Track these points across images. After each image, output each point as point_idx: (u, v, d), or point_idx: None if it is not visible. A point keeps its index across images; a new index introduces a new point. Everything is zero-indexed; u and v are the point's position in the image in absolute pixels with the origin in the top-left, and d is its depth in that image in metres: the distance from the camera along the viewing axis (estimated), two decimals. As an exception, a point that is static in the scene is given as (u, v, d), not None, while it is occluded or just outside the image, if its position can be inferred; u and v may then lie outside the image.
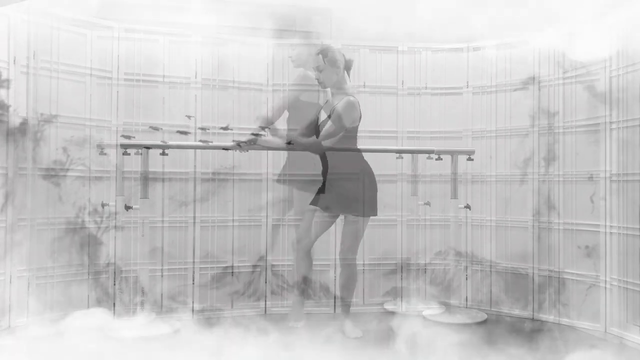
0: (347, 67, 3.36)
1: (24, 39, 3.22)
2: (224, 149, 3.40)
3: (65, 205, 3.36)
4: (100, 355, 2.87)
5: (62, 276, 3.36)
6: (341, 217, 3.37)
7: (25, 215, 3.18)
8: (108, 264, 3.50)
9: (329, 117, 3.27)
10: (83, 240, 3.43)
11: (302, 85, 3.58)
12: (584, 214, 3.41)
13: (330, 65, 3.26)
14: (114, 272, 3.42)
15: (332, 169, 3.31)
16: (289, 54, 3.70)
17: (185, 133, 3.40)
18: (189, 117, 3.51)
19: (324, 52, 3.29)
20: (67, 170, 3.35)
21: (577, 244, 3.43)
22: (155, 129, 3.39)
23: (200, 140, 3.39)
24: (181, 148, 3.48)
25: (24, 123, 3.15)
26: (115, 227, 3.43)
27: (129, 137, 3.30)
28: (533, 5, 3.51)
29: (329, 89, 3.37)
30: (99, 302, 3.48)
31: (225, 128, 3.45)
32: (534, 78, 3.68)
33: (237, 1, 3.95)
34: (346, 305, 3.33)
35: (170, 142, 3.31)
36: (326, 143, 3.26)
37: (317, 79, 3.32)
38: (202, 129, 3.50)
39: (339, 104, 3.24)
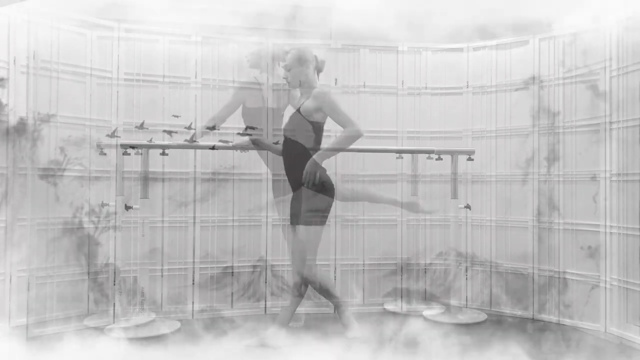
0: (319, 68, 3.28)
1: (24, 39, 3.22)
2: (211, 148, 3.37)
3: (63, 205, 3.35)
4: (100, 356, 2.87)
5: (60, 277, 3.36)
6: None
7: (21, 215, 3.17)
8: (106, 264, 3.50)
9: (298, 111, 3.21)
10: (81, 241, 3.43)
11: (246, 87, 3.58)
12: (584, 214, 3.41)
13: (298, 65, 3.21)
14: (114, 273, 3.42)
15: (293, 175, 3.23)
16: (245, 54, 3.71)
17: (170, 133, 3.38)
18: (175, 116, 3.49)
19: (292, 51, 3.23)
20: (64, 170, 3.34)
21: (579, 245, 3.42)
22: (141, 127, 3.37)
23: (186, 140, 3.35)
24: (166, 147, 3.38)
25: (22, 122, 3.15)
26: (115, 227, 3.43)
27: (113, 136, 3.30)
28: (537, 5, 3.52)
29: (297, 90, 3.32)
30: (97, 303, 3.48)
31: (212, 128, 3.44)
32: (533, 78, 3.68)
33: (238, 1, 3.95)
34: (336, 306, 3.30)
35: (157, 142, 3.31)
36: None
37: (285, 78, 3.27)
38: (188, 128, 3.45)
39: (323, 105, 3.14)
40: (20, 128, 3.15)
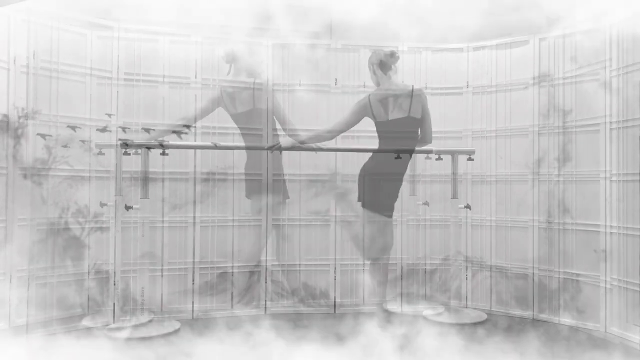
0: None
1: (24, 39, 3.22)
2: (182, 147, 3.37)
3: (49, 206, 3.34)
4: (99, 356, 2.87)
5: (52, 277, 3.36)
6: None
7: (2, 216, 3.16)
8: (94, 265, 3.49)
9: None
10: (67, 243, 3.41)
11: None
12: (585, 214, 3.40)
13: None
14: (114, 273, 3.42)
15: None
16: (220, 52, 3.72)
17: (104, 131, 3.36)
18: (109, 115, 3.46)
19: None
20: (49, 169, 3.33)
21: (589, 248, 3.37)
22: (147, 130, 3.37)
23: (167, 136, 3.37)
24: (165, 147, 3.33)
25: (5, 120, 3.13)
26: (116, 227, 3.42)
27: (125, 130, 3.30)
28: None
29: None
30: (95, 304, 3.48)
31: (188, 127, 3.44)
32: (534, 77, 3.67)
33: (238, 1, 3.95)
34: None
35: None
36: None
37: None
38: (146, 130, 3.44)
39: None
40: (3, 126, 3.13)
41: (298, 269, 3.80)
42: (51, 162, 3.32)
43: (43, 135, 3.26)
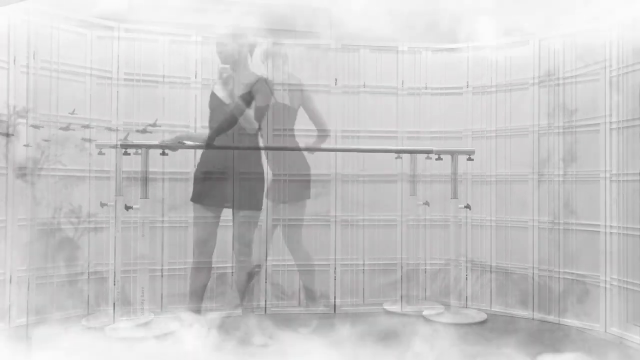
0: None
1: (24, 39, 3.22)
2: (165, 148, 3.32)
3: (49, 206, 3.34)
4: (99, 356, 2.87)
5: (52, 277, 3.36)
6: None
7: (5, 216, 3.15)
8: (93, 265, 3.49)
9: None
10: (60, 243, 3.41)
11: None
12: (586, 214, 3.40)
13: None
14: (114, 273, 3.42)
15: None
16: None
17: (67, 129, 3.35)
18: (71, 113, 3.43)
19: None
20: (41, 169, 3.32)
21: (591, 248, 3.36)
22: (144, 131, 3.36)
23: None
24: (166, 148, 3.31)
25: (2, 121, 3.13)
26: (116, 227, 3.42)
27: (120, 132, 3.31)
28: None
29: None
30: (94, 304, 3.48)
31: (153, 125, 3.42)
32: (534, 77, 3.67)
33: (237, 1, 3.95)
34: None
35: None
36: None
37: None
38: (153, 125, 3.41)
39: None
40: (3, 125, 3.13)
41: (296, 269, 3.80)
42: (43, 162, 3.31)
43: (5, 134, 3.20)
